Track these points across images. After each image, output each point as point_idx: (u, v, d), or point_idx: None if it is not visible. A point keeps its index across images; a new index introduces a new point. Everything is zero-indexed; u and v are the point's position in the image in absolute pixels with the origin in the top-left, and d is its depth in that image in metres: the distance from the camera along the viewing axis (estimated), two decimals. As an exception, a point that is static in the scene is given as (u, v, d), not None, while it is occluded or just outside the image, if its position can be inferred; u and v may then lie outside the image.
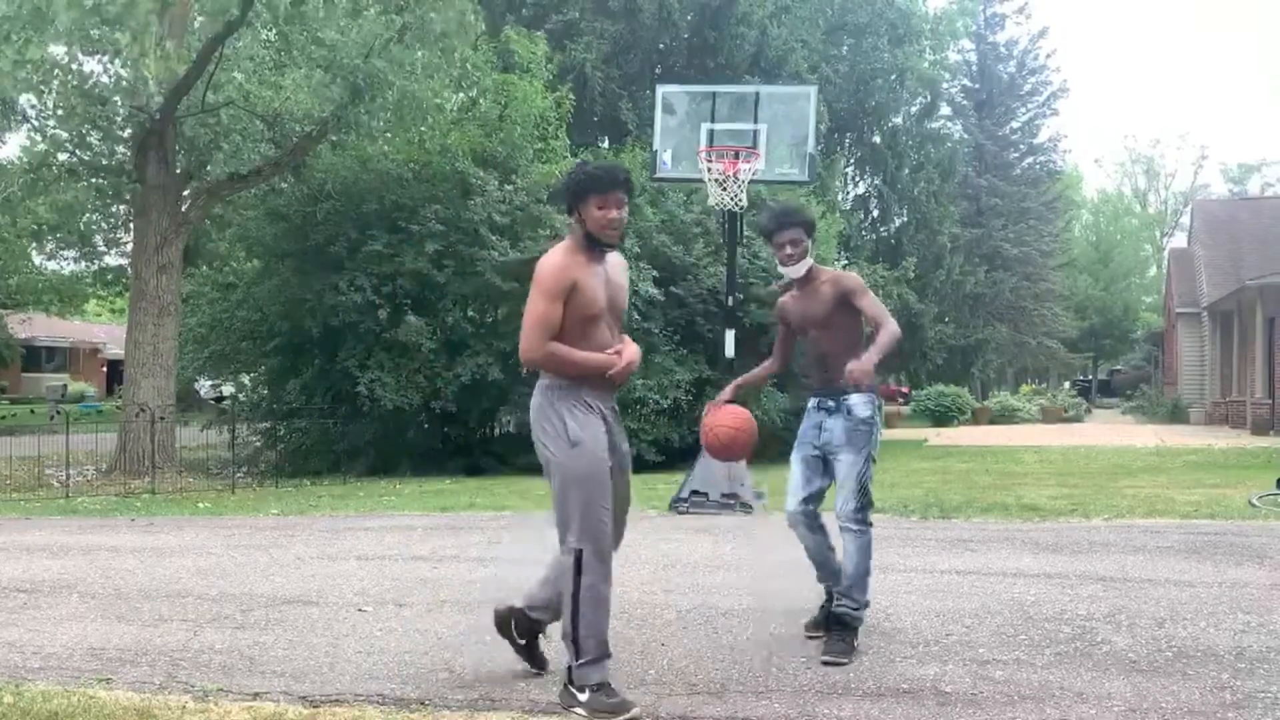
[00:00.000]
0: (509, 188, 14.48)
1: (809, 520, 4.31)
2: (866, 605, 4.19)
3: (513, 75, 16.39)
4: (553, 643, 3.86)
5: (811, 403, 4.40)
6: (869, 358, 4.05)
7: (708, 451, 4.38)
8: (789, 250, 4.28)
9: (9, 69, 10.46)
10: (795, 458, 4.36)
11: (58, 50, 12.08)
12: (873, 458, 4.21)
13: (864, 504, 4.16)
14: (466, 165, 14.55)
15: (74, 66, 14.47)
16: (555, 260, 3.61)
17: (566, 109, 17.22)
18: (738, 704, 3.49)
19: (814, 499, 4.32)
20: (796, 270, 4.32)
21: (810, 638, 4.28)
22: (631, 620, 4.62)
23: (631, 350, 3.68)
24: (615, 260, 3.79)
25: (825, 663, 3.94)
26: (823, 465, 4.30)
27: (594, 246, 3.64)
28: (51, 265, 28.48)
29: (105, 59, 15.43)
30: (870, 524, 4.20)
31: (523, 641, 3.92)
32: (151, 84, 11.19)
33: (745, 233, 11.27)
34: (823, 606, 4.36)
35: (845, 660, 3.96)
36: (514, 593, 5.29)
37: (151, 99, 11.94)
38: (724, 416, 4.23)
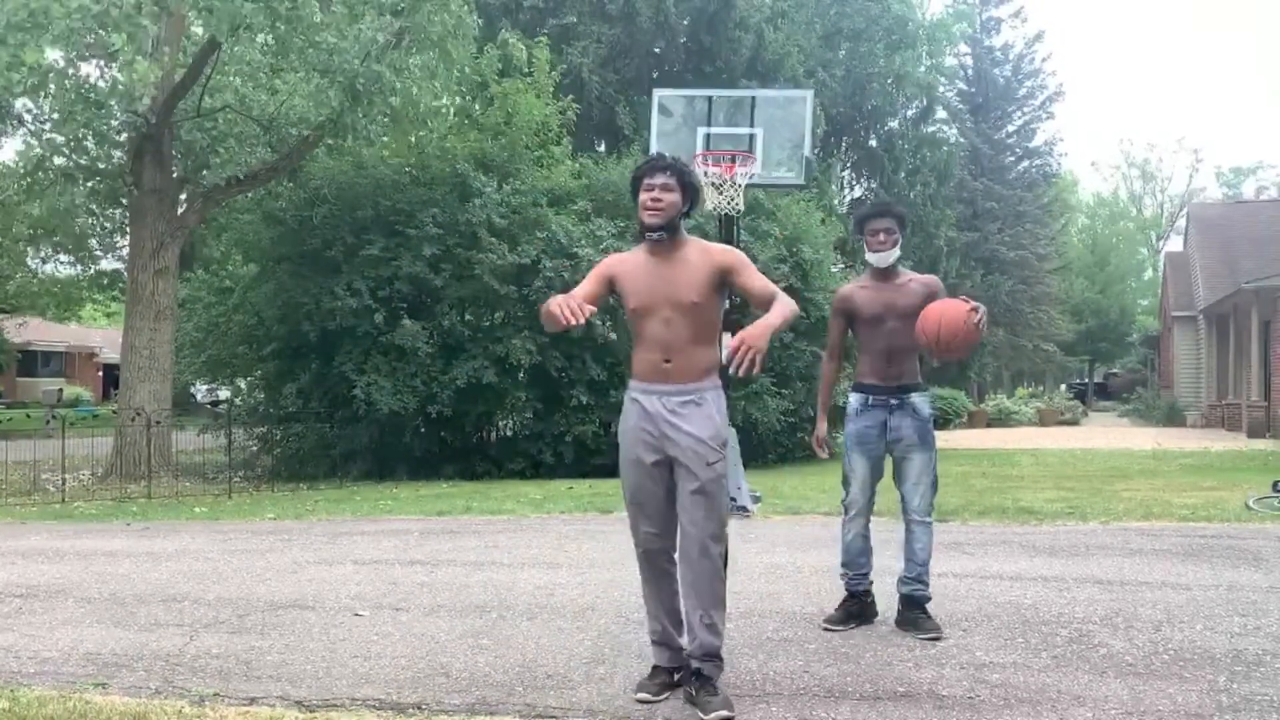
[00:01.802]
0: (507, 188, 14.50)
1: (868, 515, 4.56)
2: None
3: (517, 81, 16.39)
4: (557, 636, 3.82)
5: (862, 399, 4.51)
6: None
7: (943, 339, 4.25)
8: (882, 238, 4.48)
9: (2, 70, 10.43)
10: (861, 456, 4.50)
11: (54, 54, 12.07)
12: (936, 452, 4.52)
13: (934, 496, 4.50)
14: (467, 168, 14.55)
15: (70, 71, 14.47)
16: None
17: (570, 116, 17.23)
18: (735, 707, 3.49)
19: (874, 498, 4.58)
20: (885, 258, 4.50)
21: (828, 629, 4.46)
22: (629, 624, 4.62)
23: (560, 300, 3.39)
24: (693, 254, 3.63)
25: (929, 639, 4.25)
26: (882, 465, 4.54)
27: (639, 234, 3.67)
28: (48, 269, 28.46)
29: (101, 63, 15.43)
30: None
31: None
32: (142, 86, 11.15)
33: (742, 236, 11.23)
34: (845, 602, 4.58)
35: (942, 634, 4.29)
36: (510, 595, 5.30)
37: (139, 101, 11.91)
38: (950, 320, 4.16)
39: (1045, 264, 37.31)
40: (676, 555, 3.64)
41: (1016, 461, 14.60)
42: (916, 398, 4.48)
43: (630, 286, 3.61)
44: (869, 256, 4.54)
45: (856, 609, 4.56)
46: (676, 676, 3.66)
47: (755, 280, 3.60)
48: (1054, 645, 4.18)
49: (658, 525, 3.62)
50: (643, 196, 3.61)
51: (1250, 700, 3.48)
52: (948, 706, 3.47)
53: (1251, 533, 7.10)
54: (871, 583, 4.61)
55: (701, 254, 3.63)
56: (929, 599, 4.47)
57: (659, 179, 3.60)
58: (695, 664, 3.55)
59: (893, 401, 4.44)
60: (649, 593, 3.69)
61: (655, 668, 3.69)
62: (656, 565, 3.65)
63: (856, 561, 4.57)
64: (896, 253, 4.50)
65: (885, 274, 4.53)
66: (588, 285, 3.64)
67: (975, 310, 4.14)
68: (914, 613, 4.43)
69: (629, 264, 3.67)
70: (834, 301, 4.69)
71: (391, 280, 14.07)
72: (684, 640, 3.68)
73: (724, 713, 3.40)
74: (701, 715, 3.41)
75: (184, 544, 7.57)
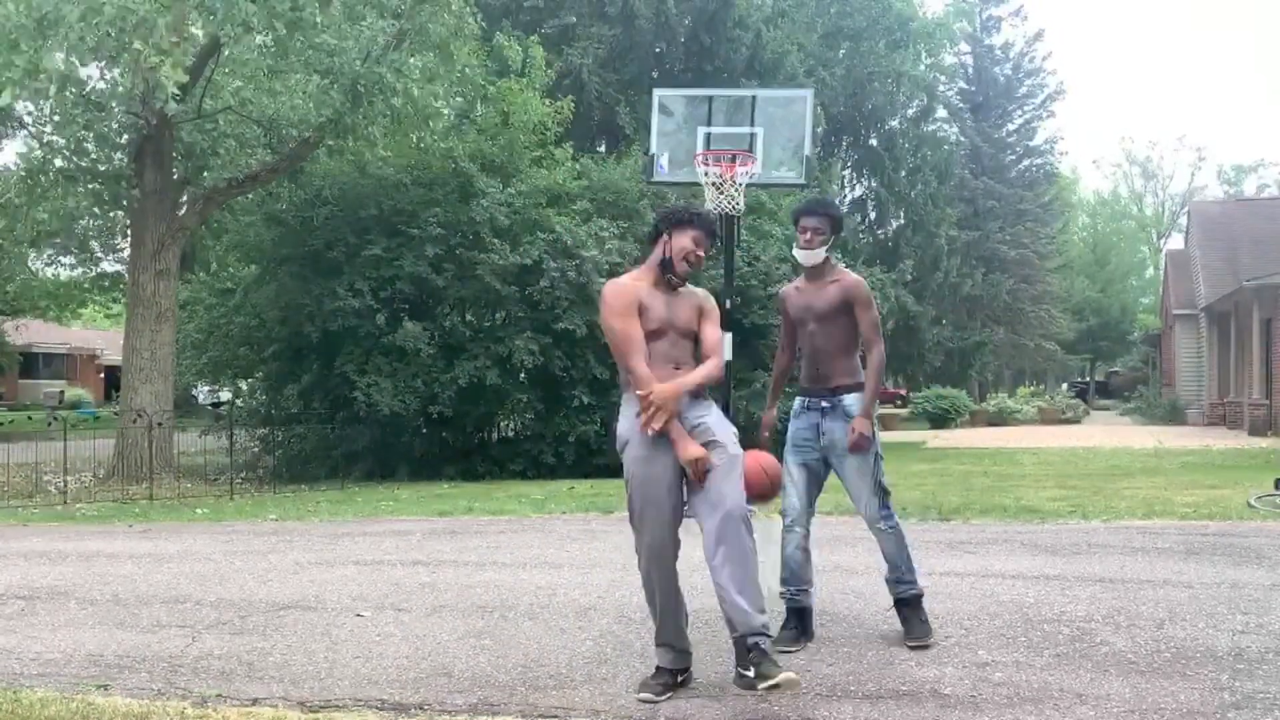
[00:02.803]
0: (510, 191, 14.49)
1: (807, 525, 4.34)
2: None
3: (511, 81, 16.37)
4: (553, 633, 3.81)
5: (800, 402, 4.38)
6: (866, 407, 4.22)
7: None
8: (808, 235, 4.34)
9: (19, 78, 10.40)
10: (795, 462, 4.32)
11: (58, 56, 12.04)
12: (879, 454, 4.28)
13: (885, 500, 4.27)
14: (472, 168, 14.54)
15: (73, 74, 14.45)
16: (619, 283, 3.98)
17: (566, 115, 17.18)
18: (738, 706, 3.49)
19: (813, 505, 4.38)
20: (809, 257, 4.36)
21: (784, 651, 4.04)
22: (631, 624, 4.62)
23: (659, 391, 3.68)
24: (684, 290, 3.95)
25: (914, 647, 4.08)
26: (822, 469, 4.34)
27: (665, 273, 3.89)
28: (49, 271, 28.44)
29: (103, 65, 15.41)
30: (894, 513, 4.34)
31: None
32: (173, 89, 11.12)
33: (743, 236, 11.20)
34: (789, 621, 4.27)
35: (931, 639, 4.14)
36: (512, 595, 5.30)
37: (169, 104, 11.84)
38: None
39: (1046, 262, 37.32)
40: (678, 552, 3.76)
41: (1018, 460, 14.60)
42: (849, 399, 4.25)
43: (651, 314, 3.83)
44: (795, 252, 4.45)
45: (802, 626, 4.26)
46: (680, 678, 3.71)
47: (713, 331, 3.94)
48: (1056, 644, 4.18)
49: (671, 516, 3.71)
50: (687, 245, 3.86)
51: (1253, 698, 3.47)
52: (950, 705, 3.47)
53: (1253, 531, 7.10)
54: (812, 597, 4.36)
55: (690, 293, 3.97)
56: (920, 594, 4.28)
57: (705, 239, 3.91)
58: (752, 639, 3.49)
59: (824, 404, 4.26)
60: (659, 594, 3.71)
61: (659, 668, 3.71)
62: (668, 562, 3.71)
63: (798, 576, 4.27)
64: (821, 253, 4.34)
65: (812, 274, 4.39)
66: (637, 327, 3.80)
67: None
68: (903, 612, 4.26)
69: (647, 294, 3.87)
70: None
71: (393, 281, 14.07)
72: (688, 641, 3.75)
73: (790, 675, 3.43)
74: (766, 682, 3.40)
75: (186, 545, 7.57)
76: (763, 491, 4.13)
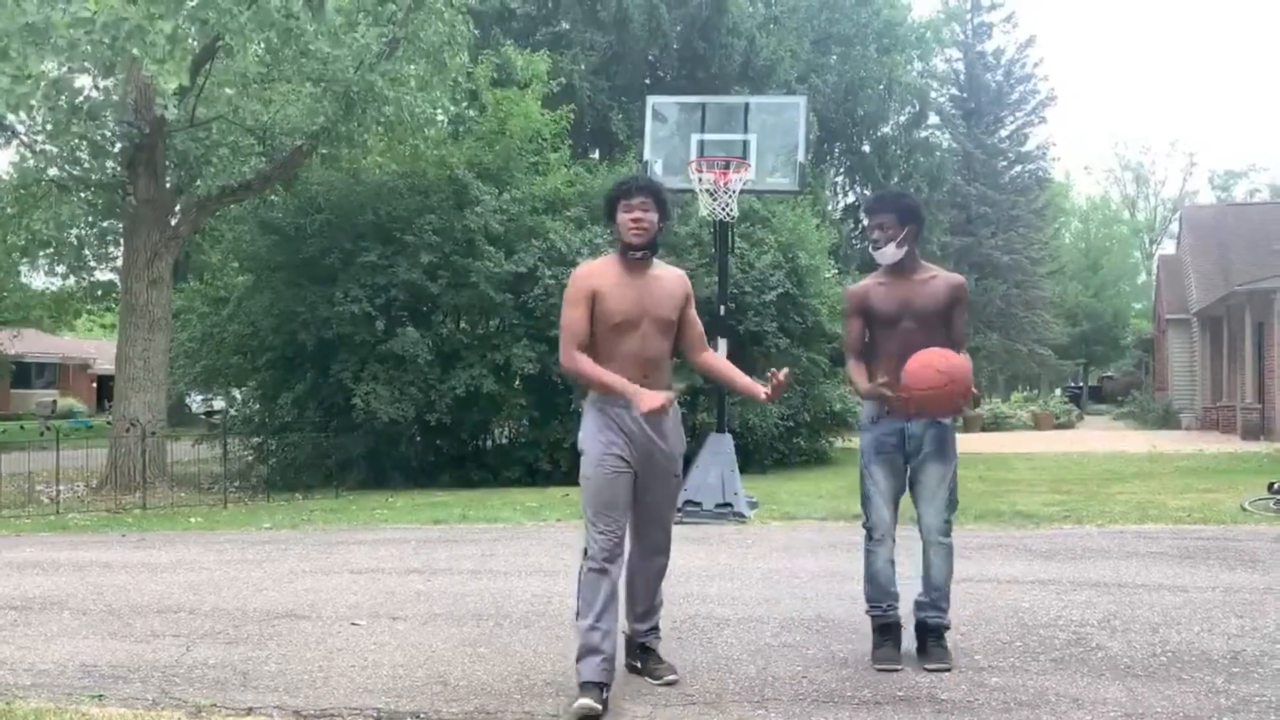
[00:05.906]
0: (505, 197, 14.49)
1: (894, 536, 4.11)
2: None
3: (510, 90, 16.36)
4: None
5: (882, 405, 4.02)
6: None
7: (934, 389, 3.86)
8: (875, 235, 4.09)
9: (8, 85, 10.36)
10: (882, 467, 4.06)
11: (50, 65, 11.99)
12: (956, 463, 4.11)
13: (953, 514, 4.09)
14: (467, 175, 14.53)
15: (64, 81, 14.42)
16: (579, 268, 3.89)
17: (565, 124, 17.18)
18: (734, 714, 3.49)
19: (898, 513, 4.13)
20: (883, 256, 4.09)
21: (886, 669, 3.94)
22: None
23: (649, 399, 3.56)
24: (661, 272, 3.85)
25: (932, 669, 3.88)
26: (905, 477, 4.11)
27: (623, 252, 3.79)
28: (41, 281, 28.35)
29: (96, 74, 15.40)
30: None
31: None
32: (171, 95, 11.09)
33: (736, 243, 11.21)
34: (885, 635, 4.08)
35: (950, 664, 3.92)
36: (508, 603, 5.29)
37: (168, 109, 11.80)
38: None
39: (1039, 268, 37.46)
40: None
41: (1012, 465, 14.62)
42: None
43: (612, 303, 3.69)
44: (871, 253, 4.17)
45: (896, 641, 4.06)
46: (605, 694, 3.54)
47: (696, 316, 3.92)
48: (1052, 648, 4.18)
49: (623, 527, 3.72)
50: (623, 217, 3.75)
51: (1248, 701, 3.48)
52: (947, 711, 3.47)
53: (1247, 534, 7.12)
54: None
55: (671, 275, 3.88)
56: (947, 627, 4.05)
57: (637, 199, 3.74)
58: (645, 640, 3.92)
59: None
60: (605, 600, 3.60)
61: (592, 684, 3.52)
62: (616, 566, 3.67)
63: (888, 592, 4.08)
64: (898, 252, 4.07)
65: (901, 269, 4.10)
66: (581, 314, 3.70)
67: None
68: (928, 639, 4.03)
69: (605, 278, 3.74)
70: (849, 299, 4.21)
71: (388, 288, 14.05)
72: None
73: (674, 676, 3.82)
74: (654, 680, 3.81)
75: (180, 555, 7.55)
76: (941, 401, 3.84)
